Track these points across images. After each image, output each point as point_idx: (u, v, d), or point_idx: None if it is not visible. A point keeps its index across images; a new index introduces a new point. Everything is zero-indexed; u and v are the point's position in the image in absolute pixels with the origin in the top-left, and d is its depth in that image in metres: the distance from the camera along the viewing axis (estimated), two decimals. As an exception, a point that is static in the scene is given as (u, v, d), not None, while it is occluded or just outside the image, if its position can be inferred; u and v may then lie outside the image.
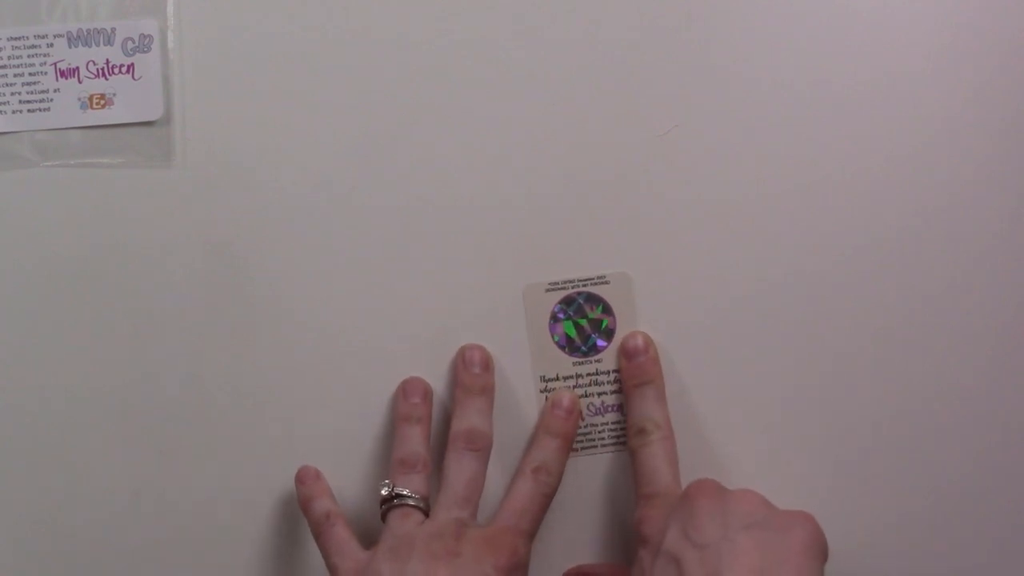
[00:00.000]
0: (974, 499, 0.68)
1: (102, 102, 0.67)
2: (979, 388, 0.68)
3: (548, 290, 0.68)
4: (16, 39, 0.67)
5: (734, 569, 0.51)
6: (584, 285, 0.68)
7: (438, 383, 0.68)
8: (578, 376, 0.69)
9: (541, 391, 0.68)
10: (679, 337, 0.68)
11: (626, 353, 0.67)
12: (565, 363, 0.69)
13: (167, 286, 0.68)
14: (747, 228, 0.67)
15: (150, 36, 0.67)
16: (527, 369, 0.68)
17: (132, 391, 0.68)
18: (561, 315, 0.68)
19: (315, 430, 0.69)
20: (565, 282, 0.68)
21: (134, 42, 0.67)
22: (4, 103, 0.67)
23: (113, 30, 0.67)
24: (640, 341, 0.67)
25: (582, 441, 0.69)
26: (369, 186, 0.67)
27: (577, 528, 0.69)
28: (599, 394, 0.69)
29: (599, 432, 0.69)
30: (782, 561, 0.51)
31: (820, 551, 0.54)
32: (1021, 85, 0.66)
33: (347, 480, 0.68)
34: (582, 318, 0.68)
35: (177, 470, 0.69)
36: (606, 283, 0.68)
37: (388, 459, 0.66)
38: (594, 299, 0.68)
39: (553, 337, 0.68)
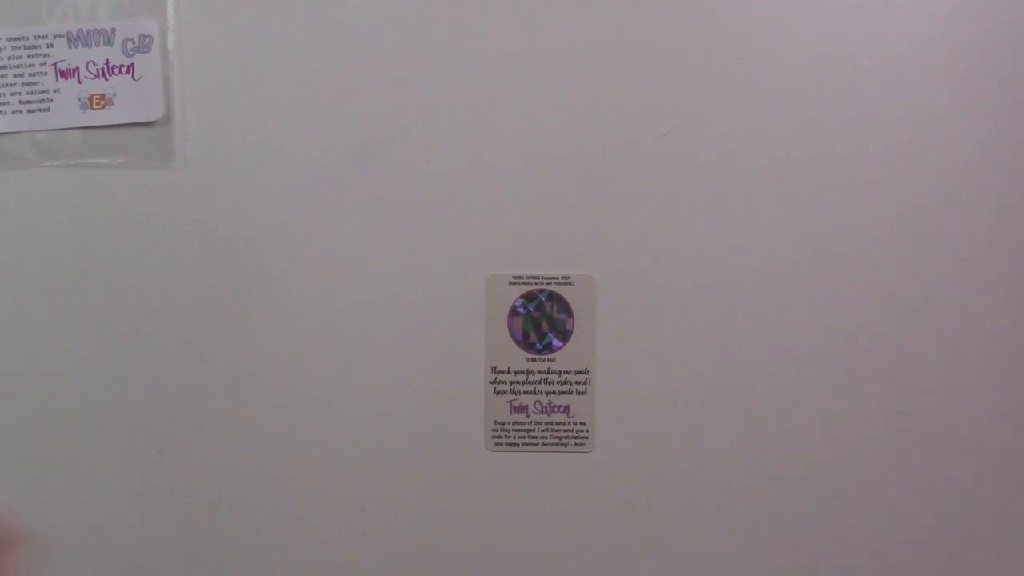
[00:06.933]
0: (972, 503, 0.69)
1: (102, 102, 0.67)
2: (976, 389, 0.68)
3: (512, 283, 0.68)
4: (16, 39, 0.67)
5: None
6: (548, 283, 0.68)
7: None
8: (529, 372, 0.69)
9: (491, 382, 0.69)
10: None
11: None
12: (519, 358, 0.69)
13: (167, 286, 0.68)
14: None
15: (150, 36, 0.67)
16: (479, 358, 0.69)
17: (132, 390, 0.68)
18: (521, 310, 0.68)
19: (315, 429, 0.69)
20: (529, 277, 0.68)
21: (134, 42, 0.67)
22: (4, 103, 0.67)
23: (113, 30, 0.67)
24: None
25: (524, 437, 0.69)
26: (367, 183, 0.67)
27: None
28: (547, 393, 0.69)
29: (542, 431, 0.69)
30: None
31: None
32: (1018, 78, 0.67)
33: (346, 477, 0.69)
34: (541, 315, 0.68)
35: (177, 470, 0.69)
36: (570, 284, 0.68)
37: (386, 455, 0.66)
38: (556, 298, 0.68)
39: (510, 330, 0.69)
